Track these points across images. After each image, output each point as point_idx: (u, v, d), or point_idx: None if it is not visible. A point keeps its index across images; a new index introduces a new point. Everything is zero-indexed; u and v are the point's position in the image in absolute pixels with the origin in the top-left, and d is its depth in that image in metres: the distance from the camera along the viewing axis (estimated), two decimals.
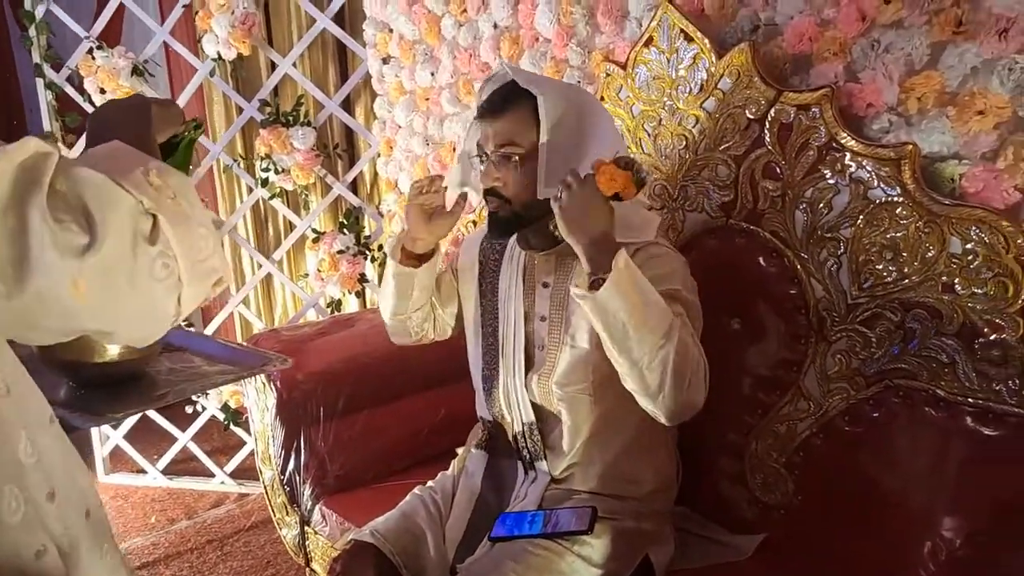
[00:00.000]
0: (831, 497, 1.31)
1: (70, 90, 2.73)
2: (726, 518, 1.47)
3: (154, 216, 0.54)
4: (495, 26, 1.88)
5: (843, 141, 1.25)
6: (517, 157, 1.22)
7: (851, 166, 1.25)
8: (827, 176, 1.28)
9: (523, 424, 1.34)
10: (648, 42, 1.49)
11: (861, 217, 1.25)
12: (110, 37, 2.71)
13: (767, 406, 1.41)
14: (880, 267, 1.24)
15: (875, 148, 1.22)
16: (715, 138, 1.43)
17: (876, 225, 1.23)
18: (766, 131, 1.35)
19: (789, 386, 1.39)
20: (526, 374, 1.33)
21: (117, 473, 3.00)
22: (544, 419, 1.33)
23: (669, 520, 1.36)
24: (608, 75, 1.59)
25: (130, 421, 2.92)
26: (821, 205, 1.30)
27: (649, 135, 1.54)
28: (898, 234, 1.20)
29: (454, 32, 2.00)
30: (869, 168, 1.22)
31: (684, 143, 1.48)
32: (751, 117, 1.37)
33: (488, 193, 1.27)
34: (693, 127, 1.46)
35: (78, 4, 3.03)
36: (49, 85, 2.72)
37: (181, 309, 0.58)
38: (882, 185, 1.22)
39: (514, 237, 1.38)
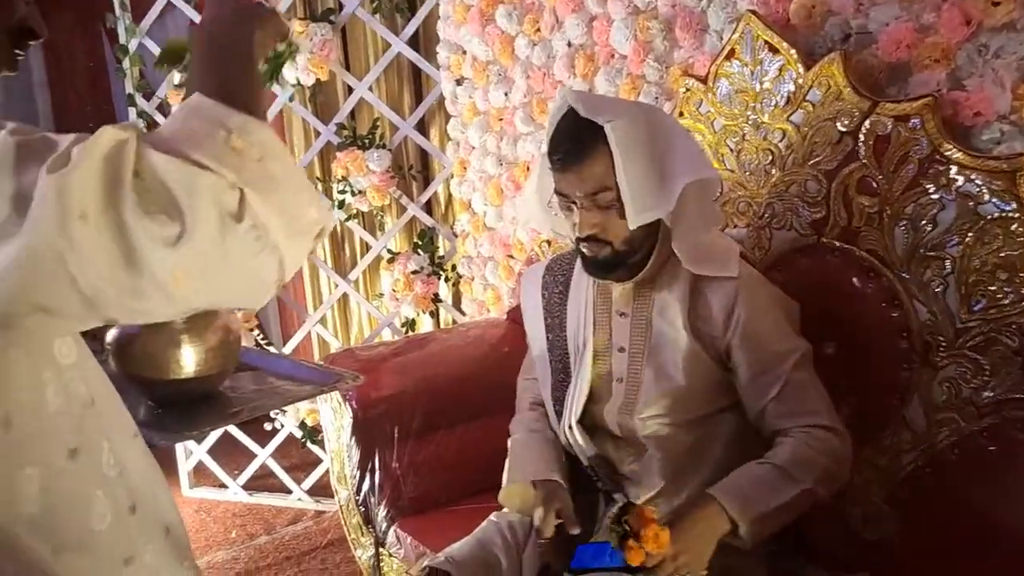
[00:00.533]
0: (940, 536, 1.21)
1: (159, 118, 2.85)
2: (818, 555, 1.38)
3: (240, 190, 0.53)
4: (569, 44, 1.86)
5: (948, 153, 1.17)
6: (615, 200, 1.15)
7: (958, 180, 1.16)
8: (930, 191, 1.20)
9: (595, 456, 1.30)
10: (730, 55, 1.44)
11: (970, 234, 1.15)
12: None
13: (866, 437, 1.32)
14: (993, 288, 1.14)
15: (985, 160, 1.13)
16: (804, 152, 1.36)
17: (988, 243, 1.14)
18: (860, 144, 1.27)
19: (891, 416, 1.30)
20: (602, 405, 1.29)
21: (200, 488, 3.08)
22: (626, 450, 1.29)
23: (763, 557, 1.29)
24: (688, 90, 1.54)
25: (213, 436, 3.00)
26: (924, 222, 1.21)
27: (732, 150, 1.48)
28: (1014, 252, 1.11)
29: (527, 52, 1.98)
30: (979, 181, 1.14)
31: (770, 158, 1.42)
32: (843, 130, 1.29)
33: (586, 240, 1.21)
34: (779, 141, 1.40)
35: (172, 36, 3.17)
36: (140, 113, 2.84)
37: (285, 271, 0.57)
38: (994, 200, 1.12)
39: (579, 268, 1.34)
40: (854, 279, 1.32)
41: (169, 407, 1.08)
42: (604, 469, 1.30)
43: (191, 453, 3.05)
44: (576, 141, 1.16)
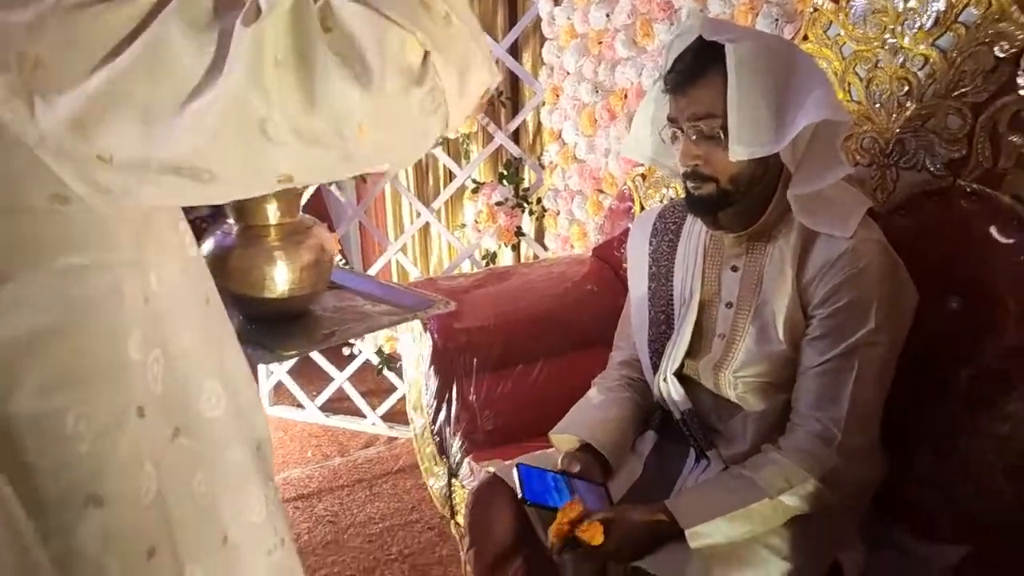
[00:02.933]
0: None
1: None
2: (913, 526, 1.28)
3: (425, 51, 0.52)
4: None
5: None
6: (720, 130, 1.07)
7: None
8: None
9: (688, 411, 1.24)
10: None
11: None
12: None
13: (989, 402, 1.20)
14: None
15: None
16: (948, 82, 1.21)
17: None
18: (1020, 73, 1.12)
19: (1017, 380, 1.17)
20: (698, 360, 1.22)
21: (280, 406, 3.16)
22: (721, 407, 1.22)
23: (858, 522, 1.20)
24: (816, 9, 1.38)
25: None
26: None
27: (861, 79, 1.34)
28: None
29: None
30: None
31: (906, 88, 1.27)
32: (1001, 56, 1.13)
33: (688, 175, 1.13)
34: (920, 69, 1.24)
35: None
36: None
37: (448, 129, 0.57)
38: None
39: (691, 217, 1.25)
40: (992, 228, 1.18)
41: (262, 324, 1.06)
42: (696, 424, 1.23)
43: (272, 372, 3.13)
44: (695, 58, 1.07)
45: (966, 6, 1.16)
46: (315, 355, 2.99)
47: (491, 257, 2.62)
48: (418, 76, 0.51)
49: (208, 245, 1.05)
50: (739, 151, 1.04)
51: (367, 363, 2.96)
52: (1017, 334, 1.17)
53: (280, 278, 1.04)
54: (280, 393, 3.19)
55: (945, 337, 1.22)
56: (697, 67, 1.08)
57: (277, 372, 3.09)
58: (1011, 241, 1.16)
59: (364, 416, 2.96)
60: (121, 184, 0.51)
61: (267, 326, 1.09)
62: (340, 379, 2.97)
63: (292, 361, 3.09)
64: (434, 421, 1.78)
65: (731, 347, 1.19)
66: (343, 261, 2.92)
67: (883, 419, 1.16)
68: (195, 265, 0.68)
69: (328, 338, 1.04)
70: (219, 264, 1.04)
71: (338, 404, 3.07)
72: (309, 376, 3.12)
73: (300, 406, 3.10)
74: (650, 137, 1.23)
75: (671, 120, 1.13)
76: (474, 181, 2.62)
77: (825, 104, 1.04)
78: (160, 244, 0.62)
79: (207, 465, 0.65)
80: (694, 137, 1.10)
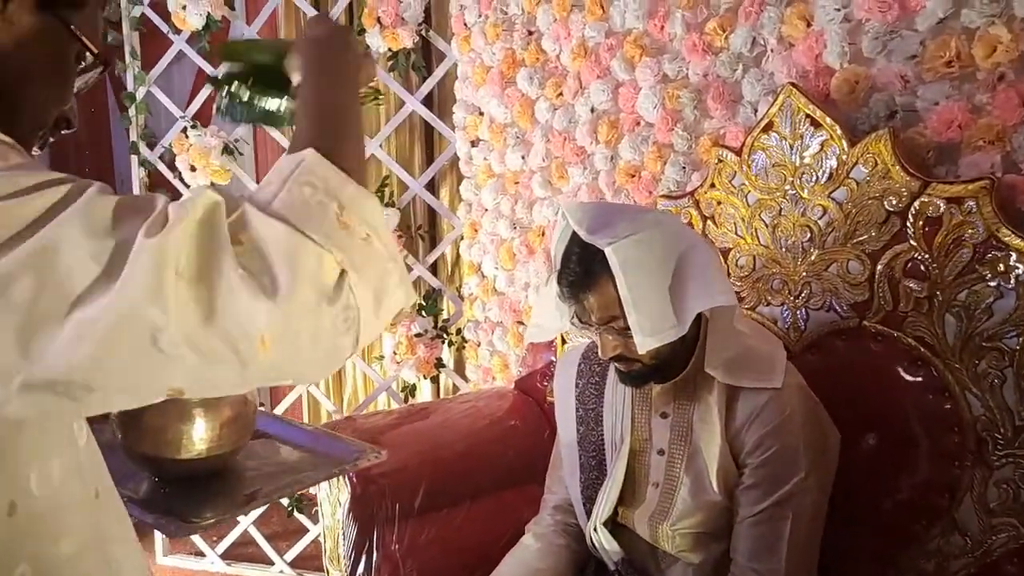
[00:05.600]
0: None
1: (162, 167, 2.79)
2: None
3: (342, 270, 0.51)
4: (592, 110, 1.82)
5: (1007, 239, 1.11)
6: (625, 324, 1.07)
7: (1018, 267, 1.10)
8: (987, 277, 1.13)
9: (623, 560, 1.21)
10: (768, 127, 1.39)
11: None
12: (203, 117, 2.77)
13: (911, 537, 1.23)
14: None
15: None
16: (846, 231, 1.30)
17: None
18: (909, 225, 1.21)
19: (939, 515, 1.20)
20: (633, 509, 1.21)
21: (176, 555, 2.90)
22: (660, 557, 1.20)
23: None
24: (720, 160, 1.48)
25: None
26: (979, 310, 1.14)
27: (767, 225, 1.42)
28: None
29: (548, 115, 1.94)
30: None
31: (808, 235, 1.36)
32: (890, 209, 1.23)
33: (613, 359, 1.15)
34: (820, 218, 1.34)
35: (178, 86, 3.15)
36: (143, 162, 2.78)
37: (358, 348, 0.55)
38: None
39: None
40: (900, 368, 1.24)
41: (177, 486, 0.98)
42: (631, 574, 1.19)
43: None
44: (581, 265, 1.09)
45: (856, 164, 1.27)
46: None
47: (410, 390, 2.56)
48: (332, 294, 0.50)
49: None
50: (646, 342, 1.05)
51: (275, 502, 2.78)
52: (932, 469, 1.21)
53: (198, 436, 0.97)
54: (177, 540, 2.93)
55: (866, 472, 1.25)
56: (585, 275, 1.09)
57: None
58: (918, 379, 1.23)
59: (271, 563, 2.74)
60: None
61: (182, 489, 1.00)
62: (245, 522, 2.76)
63: None
64: (352, 574, 1.66)
65: (666, 498, 1.17)
66: None
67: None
68: (86, 455, 0.62)
69: (250, 501, 0.96)
70: (131, 423, 0.97)
71: (242, 550, 2.83)
72: None
73: (200, 554, 2.84)
74: (558, 321, 1.22)
75: (580, 320, 1.14)
76: None
77: (714, 290, 1.07)
78: (43, 441, 0.56)
79: None
80: (609, 332, 1.12)
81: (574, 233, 1.10)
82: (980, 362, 1.15)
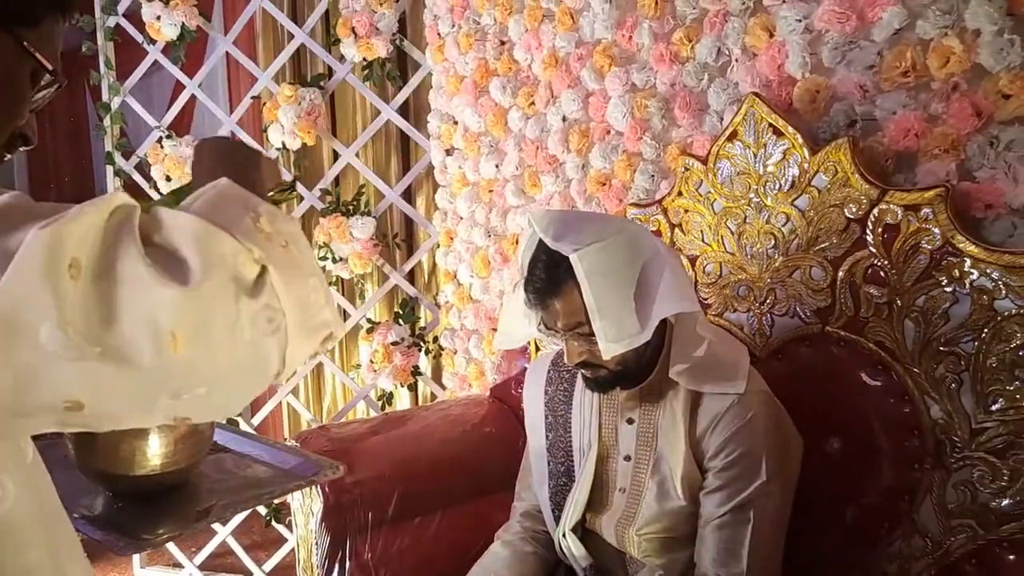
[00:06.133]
0: None
1: (138, 177, 2.78)
2: None
3: (262, 267, 0.49)
4: (564, 119, 1.84)
5: (961, 245, 1.13)
6: (590, 330, 1.08)
7: (972, 273, 1.12)
8: (943, 283, 1.15)
9: (590, 566, 1.22)
10: (732, 136, 1.41)
11: (986, 330, 1.10)
12: (180, 127, 2.77)
13: (873, 540, 1.24)
14: (1012, 388, 1.08)
15: (1001, 254, 1.09)
16: (808, 238, 1.32)
17: (1006, 340, 1.09)
18: (868, 232, 1.23)
19: (900, 518, 1.22)
20: (600, 514, 1.22)
21: (153, 567, 2.88)
22: (627, 562, 1.21)
23: None
24: (687, 169, 1.50)
25: None
26: (936, 315, 1.16)
27: (732, 232, 1.44)
28: None
29: (521, 124, 1.96)
30: (995, 276, 1.09)
31: (772, 242, 1.37)
32: (851, 217, 1.25)
33: (578, 365, 1.16)
34: (783, 225, 1.35)
35: (155, 96, 3.14)
36: (118, 172, 2.77)
37: (285, 367, 0.52)
38: (1011, 296, 1.08)
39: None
40: (862, 372, 1.26)
41: (132, 502, 0.97)
42: None
43: None
44: (547, 272, 1.10)
45: (817, 172, 1.29)
46: None
47: (387, 398, 2.56)
48: (250, 288, 0.48)
49: None
50: (610, 348, 1.06)
51: (254, 512, 2.76)
52: (892, 473, 1.23)
53: (152, 452, 0.96)
54: (154, 551, 2.90)
55: (829, 476, 1.27)
56: (551, 282, 1.10)
57: None
58: (878, 383, 1.24)
59: (250, 573, 2.73)
60: None
61: (138, 505, 1.00)
62: (224, 533, 2.75)
63: None
64: None
65: (632, 503, 1.18)
66: None
67: (784, 559, 1.17)
68: (32, 471, 0.60)
69: (203, 516, 0.96)
70: (84, 439, 0.96)
71: (221, 560, 2.82)
72: None
73: (178, 565, 2.83)
74: (526, 327, 1.23)
75: (546, 327, 1.15)
76: (369, 320, 2.59)
77: (677, 297, 1.07)
78: None
79: None
80: (575, 339, 1.12)
81: (541, 240, 1.11)
82: (938, 366, 1.17)
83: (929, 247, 1.16)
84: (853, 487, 1.27)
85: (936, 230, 1.15)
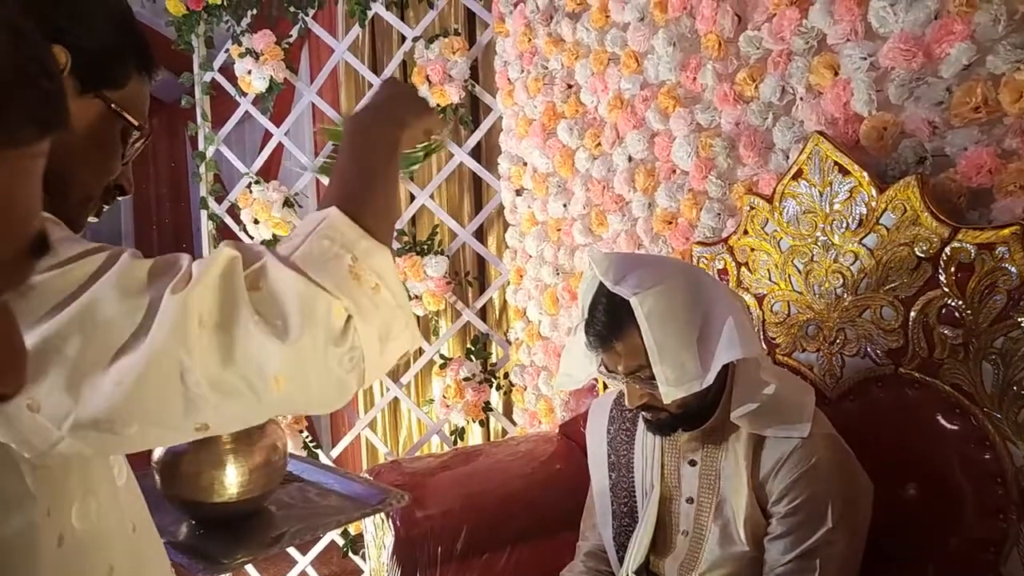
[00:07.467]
0: None
1: (229, 220, 2.95)
2: None
3: (350, 315, 0.57)
4: (630, 159, 1.86)
5: None
6: (651, 374, 1.09)
7: None
8: (1022, 324, 1.11)
9: None
10: (797, 175, 1.40)
11: None
12: (268, 173, 2.94)
13: None
14: None
15: None
16: (878, 277, 1.29)
17: None
18: (940, 271, 1.20)
19: (984, 571, 1.16)
20: (663, 558, 1.21)
21: None
22: None
23: None
24: (752, 208, 1.50)
25: None
26: (1016, 358, 1.12)
27: (800, 271, 1.42)
28: None
29: (588, 165, 1.99)
30: None
31: (841, 281, 1.35)
32: (921, 255, 1.22)
33: (640, 408, 1.17)
34: (851, 264, 1.33)
35: (247, 143, 3.34)
36: (211, 216, 2.95)
37: (364, 384, 0.61)
38: None
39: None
40: (939, 415, 1.22)
41: (212, 528, 1.04)
42: None
43: None
44: (608, 315, 1.12)
45: (885, 211, 1.27)
46: None
47: (459, 433, 2.60)
48: (338, 337, 0.56)
49: (159, 451, 1.05)
50: (671, 392, 1.07)
51: (332, 543, 2.84)
52: (975, 523, 1.17)
53: (230, 481, 1.03)
54: None
55: (906, 523, 1.22)
56: (612, 325, 1.11)
57: None
58: (955, 427, 1.20)
59: None
60: (43, 435, 0.53)
61: (217, 530, 1.06)
62: (303, 562, 2.82)
63: None
64: None
65: (696, 547, 1.17)
66: (309, 438, 2.87)
67: None
68: (124, 494, 0.68)
69: (276, 542, 1.01)
70: (169, 470, 1.04)
71: None
72: (270, 559, 2.96)
73: None
74: (587, 368, 1.24)
75: (607, 369, 1.16)
76: (442, 356, 2.65)
77: (740, 341, 1.06)
78: (85, 476, 0.63)
79: None
80: (635, 385, 1.13)
81: (601, 283, 1.13)
82: (1020, 411, 1.12)
83: (1006, 287, 1.12)
84: (933, 536, 1.22)
85: (1013, 269, 1.11)
